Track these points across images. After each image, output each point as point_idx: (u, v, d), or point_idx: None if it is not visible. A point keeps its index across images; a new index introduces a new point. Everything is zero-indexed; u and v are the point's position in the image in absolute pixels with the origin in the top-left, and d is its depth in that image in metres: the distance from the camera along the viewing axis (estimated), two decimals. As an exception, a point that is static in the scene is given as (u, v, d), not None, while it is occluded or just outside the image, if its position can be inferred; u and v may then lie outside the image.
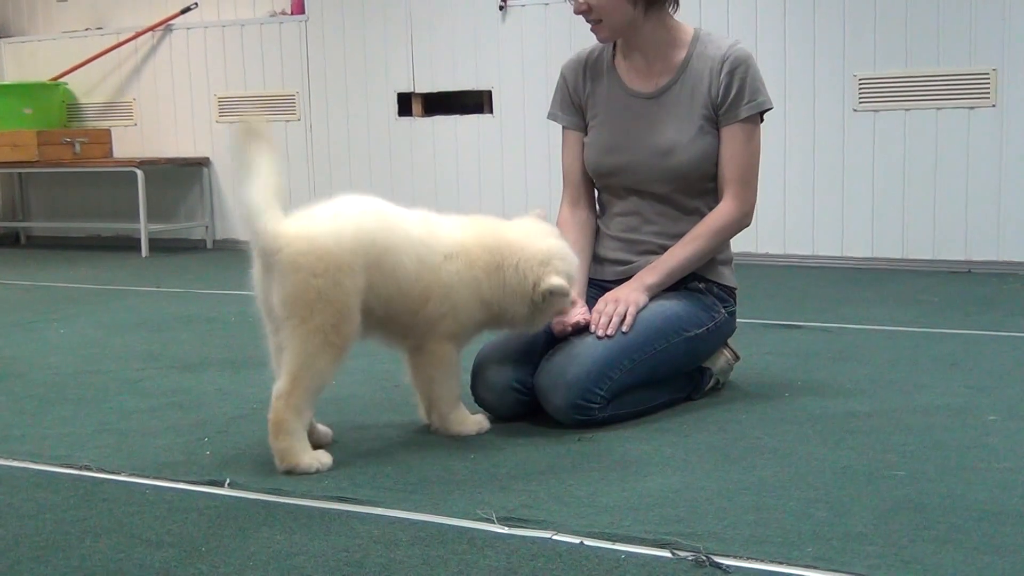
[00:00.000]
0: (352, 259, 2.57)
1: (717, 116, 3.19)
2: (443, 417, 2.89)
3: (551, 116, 3.43)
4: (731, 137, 3.19)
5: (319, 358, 2.56)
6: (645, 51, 3.24)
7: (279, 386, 2.57)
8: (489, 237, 2.83)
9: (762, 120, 3.25)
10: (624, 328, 3.00)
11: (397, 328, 2.79)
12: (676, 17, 3.25)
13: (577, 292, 3.03)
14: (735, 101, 3.17)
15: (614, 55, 3.31)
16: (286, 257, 2.54)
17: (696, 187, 3.22)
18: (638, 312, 3.04)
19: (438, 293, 2.74)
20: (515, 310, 2.85)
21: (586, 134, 3.33)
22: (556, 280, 2.80)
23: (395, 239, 2.67)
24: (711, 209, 3.22)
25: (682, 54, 3.23)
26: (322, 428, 2.83)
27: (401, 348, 2.89)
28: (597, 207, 3.40)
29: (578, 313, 3.02)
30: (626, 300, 3.06)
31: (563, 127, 3.39)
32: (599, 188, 3.37)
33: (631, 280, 3.15)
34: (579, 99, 3.34)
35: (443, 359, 2.83)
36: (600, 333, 2.99)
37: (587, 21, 3.18)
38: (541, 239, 2.88)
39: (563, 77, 3.38)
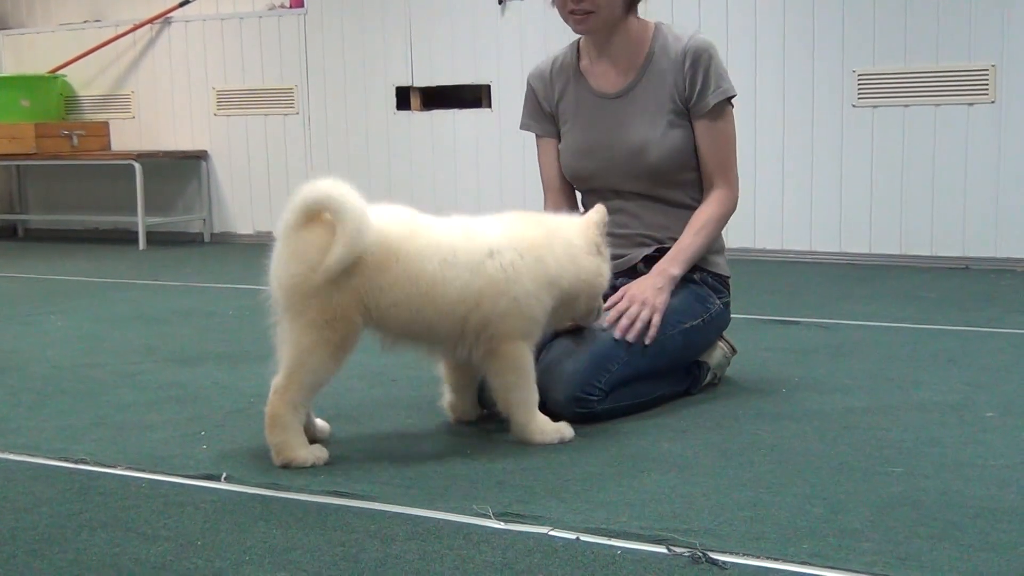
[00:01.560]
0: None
1: (687, 109, 3.21)
2: (522, 426, 2.76)
3: (523, 127, 3.46)
4: (705, 129, 3.22)
5: (313, 354, 2.55)
6: (612, 51, 3.26)
7: (276, 380, 2.57)
8: (527, 223, 2.79)
9: (731, 105, 3.26)
10: (647, 340, 2.99)
11: (446, 337, 2.69)
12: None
13: None
14: (702, 92, 3.19)
15: (578, 59, 3.33)
16: (291, 245, 2.54)
17: (674, 179, 3.25)
18: (662, 317, 3.03)
19: (490, 293, 2.66)
20: (579, 285, 2.79)
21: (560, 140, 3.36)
22: (598, 215, 2.86)
23: (412, 246, 2.59)
24: (692, 198, 3.25)
25: (644, 51, 3.25)
26: (320, 423, 2.82)
27: (468, 359, 2.76)
28: (581, 211, 3.38)
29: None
30: (652, 304, 3.04)
31: (536, 135, 3.41)
32: (581, 192, 3.38)
33: (654, 273, 3.13)
34: (549, 107, 3.36)
35: (517, 360, 2.72)
36: (618, 336, 2.97)
37: (572, 12, 3.15)
38: (566, 215, 2.94)
39: (530, 87, 3.40)
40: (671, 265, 3.15)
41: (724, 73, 3.22)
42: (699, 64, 3.18)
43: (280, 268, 2.57)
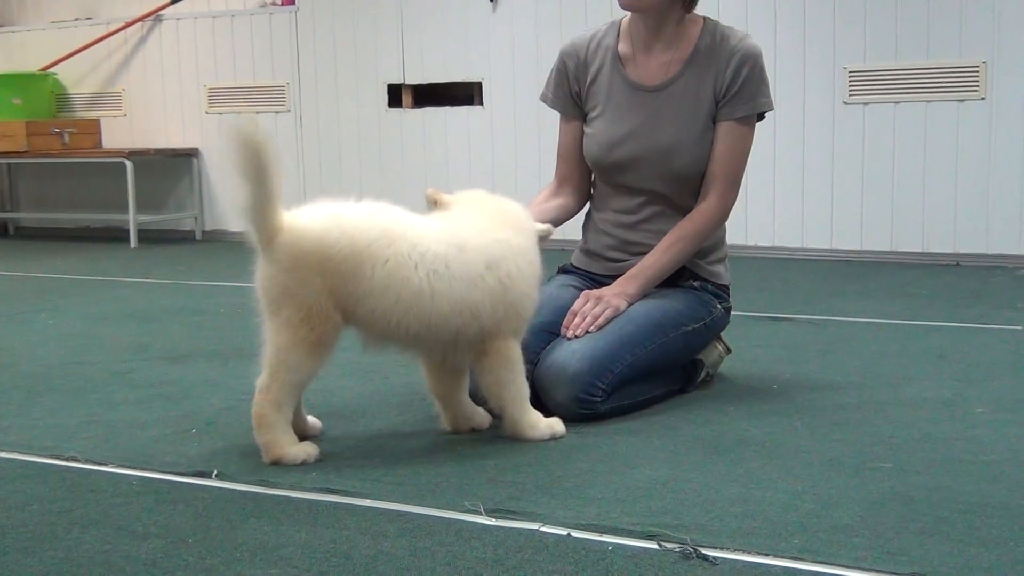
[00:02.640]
0: (323, 262, 2.50)
1: (716, 108, 3.13)
2: (515, 421, 2.76)
3: (543, 98, 3.38)
4: (726, 134, 3.13)
5: (292, 353, 2.53)
6: (656, 40, 3.17)
7: (260, 379, 2.57)
8: (500, 221, 2.75)
9: (761, 118, 3.19)
10: (592, 329, 2.99)
11: (435, 344, 2.68)
12: None
13: None
14: (736, 97, 3.11)
15: (618, 41, 3.24)
16: (267, 249, 2.53)
17: (694, 186, 3.18)
18: (615, 316, 3.03)
19: (488, 303, 2.64)
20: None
21: (583, 122, 3.28)
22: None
23: (391, 252, 2.55)
24: None
25: (690, 47, 3.15)
26: (311, 420, 2.82)
27: (458, 362, 2.76)
28: (592, 196, 3.35)
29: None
30: (608, 303, 3.05)
31: (561, 112, 3.33)
32: (600, 181, 3.31)
33: (615, 285, 3.13)
34: (578, 87, 3.26)
35: (510, 357, 2.72)
36: (570, 335, 2.99)
37: None
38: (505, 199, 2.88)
39: (562, 61, 3.29)
40: (629, 284, 3.11)
41: (766, 86, 3.14)
42: (743, 68, 3.09)
43: (257, 268, 2.57)
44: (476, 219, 2.73)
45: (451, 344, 2.67)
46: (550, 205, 3.27)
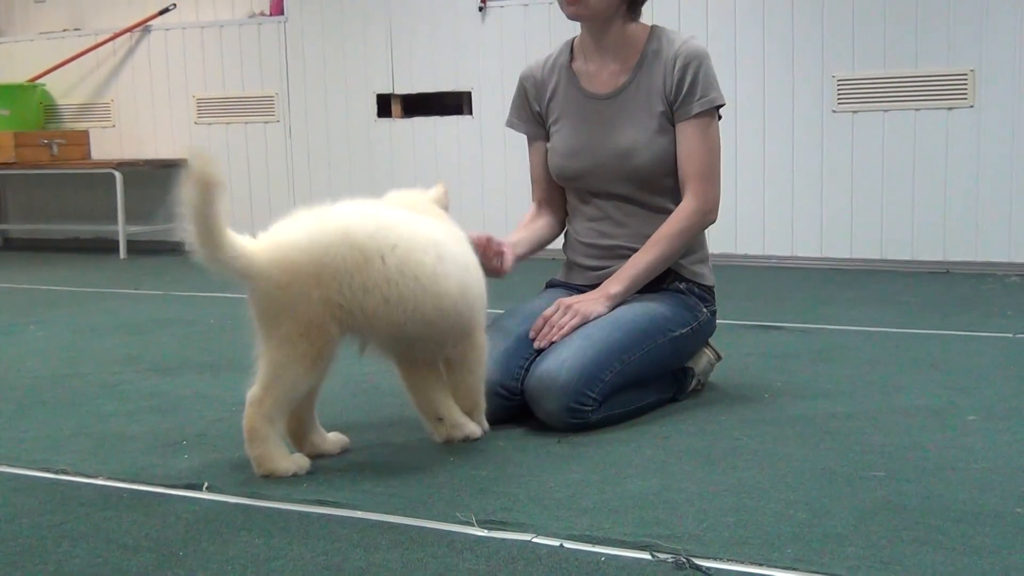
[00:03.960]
0: (318, 270, 2.48)
1: (672, 112, 3.19)
2: (479, 419, 2.85)
3: (508, 124, 3.46)
4: (686, 134, 3.18)
5: (290, 368, 2.51)
6: (604, 51, 3.24)
7: (252, 392, 2.54)
8: (431, 211, 2.81)
9: (720, 117, 3.24)
10: (555, 339, 3.01)
11: (438, 337, 2.69)
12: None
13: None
14: (687, 97, 3.17)
15: (571, 59, 3.32)
16: (255, 269, 2.49)
17: (659, 185, 3.23)
18: (583, 323, 3.04)
19: (476, 290, 2.72)
20: None
21: (547, 140, 3.35)
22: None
23: (399, 236, 2.56)
24: (676, 206, 3.22)
25: (637, 53, 3.23)
26: (332, 436, 2.78)
27: (437, 361, 2.79)
28: (568, 211, 3.41)
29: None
30: (580, 312, 3.06)
31: (526, 136, 3.42)
32: (567, 193, 3.38)
33: (596, 290, 3.16)
34: (539, 107, 3.35)
35: (484, 349, 2.80)
36: (536, 344, 3.02)
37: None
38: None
39: (521, 85, 3.39)
40: (612, 284, 3.15)
41: (714, 81, 3.20)
42: (688, 69, 3.16)
43: (249, 287, 2.55)
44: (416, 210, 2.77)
45: (450, 333, 2.68)
46: (535, 225, 3.38)
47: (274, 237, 2.53)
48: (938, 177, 6.11)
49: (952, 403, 3.16)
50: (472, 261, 2.74)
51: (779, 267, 6.43)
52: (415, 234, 2.58)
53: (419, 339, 2.67)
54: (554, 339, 3.01)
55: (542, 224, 3.38)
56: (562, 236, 3.44)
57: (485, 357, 2.81)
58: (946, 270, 6.08)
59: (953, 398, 3.21)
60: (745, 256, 6.55)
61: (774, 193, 6.51)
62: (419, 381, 2.80)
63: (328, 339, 2.53)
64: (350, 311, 2.52)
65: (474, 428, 2.84)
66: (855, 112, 6.27)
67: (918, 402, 3.17)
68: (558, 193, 3.40)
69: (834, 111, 6.32)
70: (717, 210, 3.23)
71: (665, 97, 3.18)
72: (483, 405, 2.86)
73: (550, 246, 3.40)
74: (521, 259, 3.22)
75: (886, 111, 6.20)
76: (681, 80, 3.16)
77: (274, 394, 2.53)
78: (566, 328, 3.03)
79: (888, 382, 3.44)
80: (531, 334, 3.06)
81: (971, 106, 6.00)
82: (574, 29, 3.25)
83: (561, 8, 3.21)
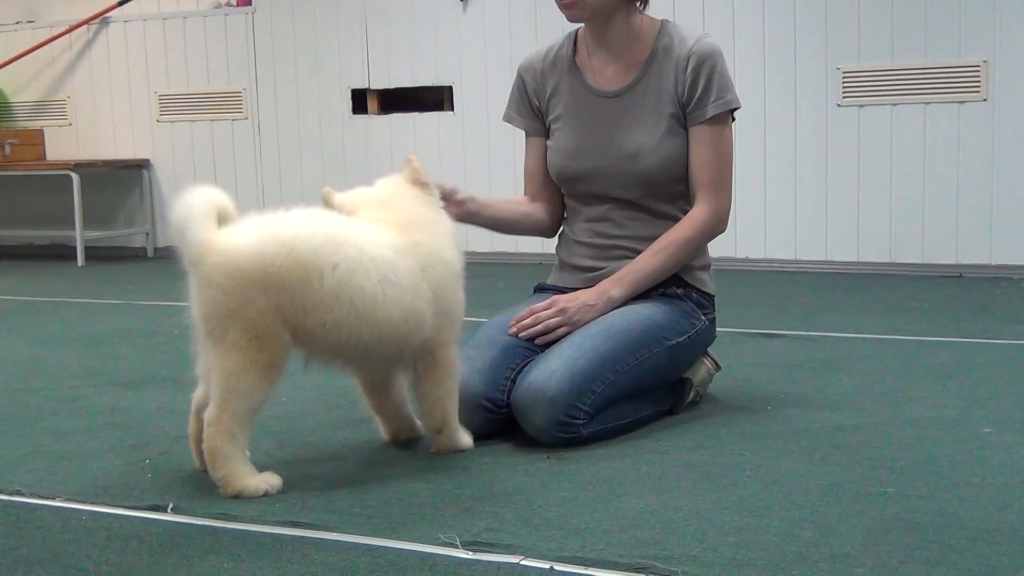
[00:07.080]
0: (264, 276, 2.50)
1: (684, 115, 3.18)
2: (452, 435, 2.85)
3: (506, 118, 3.46)
4: (699, 138, 3.18)
5: (242, 378, 2.51)
6: (610, 46, 3.23)
7: (209, 412, 2.55)
8: (411, 220, 2.80)
9: (733, 119, 3.24)
10: (535, 334, 3.05)
11: (382, 358, 2.73)
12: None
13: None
14: (701, 99, 3.16)
15: (575, 52, 3.31)
16: (202, 271, 2.52)
17: (666, 191, 3.22)
18: (568, 333, 3.06)
19: (429, 312, 2.70)
20: None
21: (547, 137, 3.34)
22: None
23: (340, 257, 2.57)
24: (684, 212, 3.22)
25: (647, 49, 3.22)
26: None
27: (405, 373, 2.84)
28: (565, 213, 3.40)
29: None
30: (571, 322, 3.07)
31: (524, 131, 3.41)
32: (566, 194, 3.36)
33: (593, 289, 3.15)
34: (538, 101, 3.34)
35: (454, 366, 2.81)
36: (512, 328, 3.06)
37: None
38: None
39: (520, 78, 3.38)
40: (613, 286, 3.15)
41: (729, 83, 3.19)
42: (702, 69, 3.14)
43: (194, 294, 2.56)
44: (390, 222, 2.76)
45: (397, 356, 2.72)
46: (519, 207, 3.39)
47: (226, 240, 2.54)
48: (950, 175, 6.13)
49: (966, 415, 3.16)
50: (433, 279, 2.71)
51: (781, 271, 6.45)
52: (361, 254, 2.58)
53: (361, 363, 2.75)
54: (535, 335, 3.04)
55: (525, 209, 3.37)
56: (556, 238, 3.44)
57: (456, 371, 2.82)
58: (959, 274, 6.10)
59: (967, 409, 3.22)
60: (745, 260, 6.56)
61: (776, 193, 6.53)
62: (372, 385, 2.90)
63: (279, 345, 2.55)
64: (292, 327, 2.55)
65: (420, 428, 2.92)
66: (861, 106, 6.29)
67: (930, 414, 3.18)
68: (549, 192, 3.38)
69: (839, 105, 6.34)
70: (727, 220, 3.25)
71: (677, 99, 3.17)
72: (454, 420, 2.85)
73: (538, 249, 3.41)
74: (474, 217, 3.19)
75: (894, 105, 6.22)
76: (695, 81, 3.15)
77: (231, 408, 2.53)
78: (551, 336, 3.04)
79: (898, 393, 3.45)
80: (511, 323, 3.07)
81: (984, 99, 6.02)
82: (561, 17, 3.24)
83: (561, 11, 3.19)
